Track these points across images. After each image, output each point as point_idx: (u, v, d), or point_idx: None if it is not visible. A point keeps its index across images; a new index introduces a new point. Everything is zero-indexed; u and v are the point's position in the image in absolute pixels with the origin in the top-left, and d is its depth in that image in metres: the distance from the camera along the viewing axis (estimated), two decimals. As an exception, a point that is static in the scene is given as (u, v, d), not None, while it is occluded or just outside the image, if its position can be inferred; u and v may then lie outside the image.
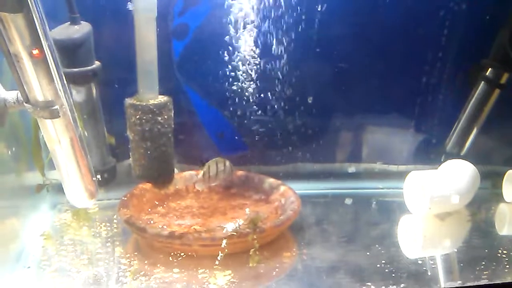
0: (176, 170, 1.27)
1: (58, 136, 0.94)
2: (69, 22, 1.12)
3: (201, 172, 1.15)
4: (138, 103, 1.16)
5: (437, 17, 1.30)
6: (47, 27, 0.87)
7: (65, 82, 0.93)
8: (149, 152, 1.18)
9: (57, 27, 1.12)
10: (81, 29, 1.12)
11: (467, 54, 1.36)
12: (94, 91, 1.18)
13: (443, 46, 1.33)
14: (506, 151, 1.46)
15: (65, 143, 0.95)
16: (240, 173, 1.28)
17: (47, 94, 0.89)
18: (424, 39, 1.33)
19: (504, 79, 1.31)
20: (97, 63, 1.16)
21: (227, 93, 1.28)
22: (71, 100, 0.95)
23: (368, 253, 1.05)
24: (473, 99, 1.34)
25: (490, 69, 1.31)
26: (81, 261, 0.99)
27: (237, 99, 1.29)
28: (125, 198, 1.12)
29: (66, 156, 0.96)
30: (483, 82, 1.32)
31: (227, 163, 1.16)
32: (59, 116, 0.91)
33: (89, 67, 1.14)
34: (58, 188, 1.06)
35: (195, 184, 1.18)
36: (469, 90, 1.35)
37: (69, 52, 1.11)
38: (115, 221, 1.14)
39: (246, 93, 1.28)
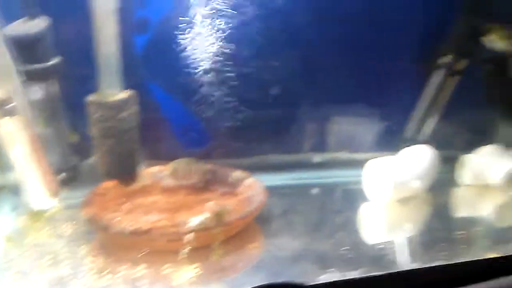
0: (142, 166, 1.26)
1: (16, 135, 0.92)
2: (26, 17, 1.09)
3: (169, 169, 1.16)
4: (100, 99, 1.14)
5: (395, 6, 1.33)
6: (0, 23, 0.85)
7: (21, 79, 0.91)
8: (113, 149, 1.16)
9: (14, 23, 1.09)
10: (38, 24, 1.09)
11: (425, 41, 1.39)
12: (54, 87, 1.16)
13: (401, 35, 1.36)
14: (463, 136, 1.51)
15: (23, 142, 0.93)
16: (206, 166, 1.28)
17: (3, 93, 0.87)
18: (383, 28, 1.35)
19: (461, 66, 1.35)
20: (57, 59, 1.13)
21: (191, 87, 1.27)
22: (29, 97, 0.94)
23: (332, 241, 1.08)
24: (431, 86, 1.38)
25: (448, 55, 1.35)
26: (44, 262, 0.97)
27: (201, 93, 1.28)
28: (89, 196, 1.11)
29: (25, 155, 0.95)
30: (441, 68, 1.36)
31: (200, 164, 1.17)
32: (16, 115, 0.90)
33: (48, 63, 1.12)
34: (18, 189, 1.04)
35: (162, 181, 1.18)
36: (427, 77, 1.39)
37: (27, 48, 1.09)
38: (78, 220, 1.12)
39: (210, 86, 1.28)
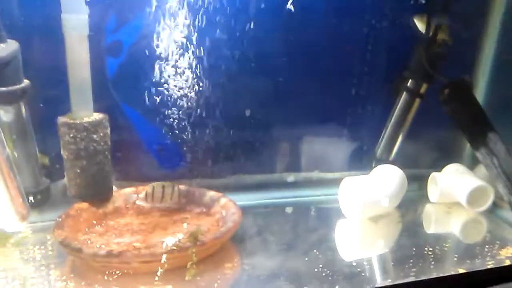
0: (115, 188, 1.25)
1: (-16, 158, 0.90)
2: (-5, 41, 1.09)
3: (143, 192, 1.16)
4: (71, 121, 1.13)
5: (362, 33, 1.40)
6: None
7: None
8: (85, 171, 1.15)
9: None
10: (7, 47, 1.09)
11: (391, 66, 1.46)
12: (23, 110, 1.15)
13: (368, 60, 1.43)
14: (430, 155, 1.58)
15: (-8, 165, 0.91)
16: (181, 187, 1.28)
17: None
18: (352, 54, 1.42)
19: (423, 89, 1.42)
20: (26, 82, 1.13)
21: (165, 108, 1.28)
22: (-2, 120, 0.93)
23: (306, 259, 1.09)
24: (397, 108, 1.44)
25: (410, 80, 1.42)
26: (14, 287, 0.94)
27: (175, 114, 1.29)
28: (60, 219, 1.09)
29: (-7, 178, 0.93)
30: (405, 92, 1.43)
31: (176, 188, 1.17)
32: (-16, 138, 0.88)
33: (17, 86, 1.11)
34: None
35: (136, 201, 1.18)
36: (394, 100, 1.45)
37: (-4, 71, 1.08)
38: (49, 243, 1.10)
39: (184, 108, 1.29)
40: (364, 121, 1.49)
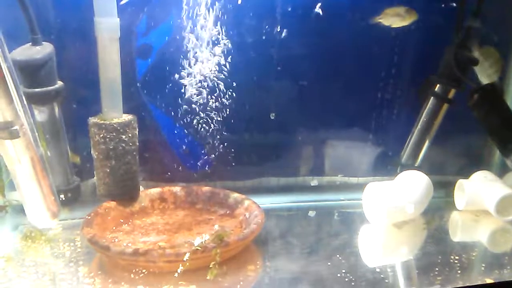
0: (141, 188, 1.28)
1: (18, 156, 0.94)
2: (30, 43, 1.13)
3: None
4: (101, 122, 1.17)
5: (389, 37, 1.39)
6: (6, 48, 0.88)
7: (25, 102, 0.94)
8: (113, 171, 1.18)
9: (19, 48, 1.12)
10: (42, 49, 1.13)
11: (418, 71, 1.44)
12: (56, 110, 1.19)
13: (395, 64, 1.41)
14: (457, 162, 1.55)
15: (25, 163, 0.95)
16: (205, 188, 1.30)
17: (7, 115, 0.90)
18: (378, 58, 1.41)
19: (451, 94, 1.39)
20: (59, 83, 1.17)
21: (191, 111, 1.31)
22: (32, 120, 0.96)
23: (329, 263, 1.09)
24: (424, 113, 1.42)
25: (438, 85, 1.39)
26: (43, 282, 0.98)
27: (201, 116, 1.31)
28: (89, 217, 1.12)
29: (27, 176, 0.96)
30: (432, 97, 1.40)
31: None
32: (19, 137, 0.92)
33: (51, 87, 1.15)
34: (19, 209, 1.05)
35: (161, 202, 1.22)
36: (421, 105, 1.43)
37: (31, 73, 1.12)
38: (78, 240, 1.13)
39: (210, 110, 1.31)
40: (390, 126, 1.47)
